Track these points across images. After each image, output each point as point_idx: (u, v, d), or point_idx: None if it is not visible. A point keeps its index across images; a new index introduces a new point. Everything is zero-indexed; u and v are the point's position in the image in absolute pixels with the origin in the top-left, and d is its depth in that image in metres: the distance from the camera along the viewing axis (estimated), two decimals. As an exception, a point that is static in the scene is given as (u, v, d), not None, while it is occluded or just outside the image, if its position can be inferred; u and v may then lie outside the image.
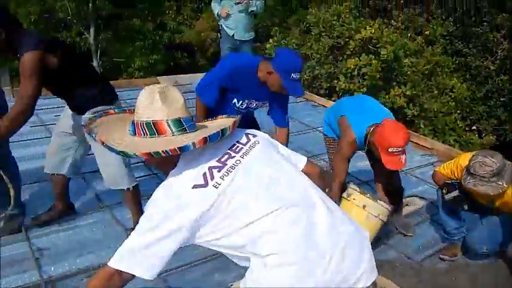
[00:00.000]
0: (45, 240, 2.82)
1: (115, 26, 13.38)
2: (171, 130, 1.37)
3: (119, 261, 1.30)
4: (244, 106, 2.79)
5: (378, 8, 10.74)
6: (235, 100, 2.74)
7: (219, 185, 1.34)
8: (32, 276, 2.49)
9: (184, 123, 1.39)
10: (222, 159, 1.41)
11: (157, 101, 1.36)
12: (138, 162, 3.66)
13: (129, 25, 13.38)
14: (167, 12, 15.18)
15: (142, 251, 1.29)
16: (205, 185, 1.33)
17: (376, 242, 2.83)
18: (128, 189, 2.66)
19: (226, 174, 1.37)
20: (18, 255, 2.67)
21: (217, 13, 5.72)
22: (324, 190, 1.57)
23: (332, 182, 2.76)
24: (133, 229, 1.38)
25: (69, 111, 2.63)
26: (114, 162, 2.56)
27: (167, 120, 1.36)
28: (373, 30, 7.88)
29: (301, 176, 1.52)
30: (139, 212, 2.72)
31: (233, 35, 5.78)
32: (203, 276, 2.60)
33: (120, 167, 2.59)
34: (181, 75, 6.92)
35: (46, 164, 2.84)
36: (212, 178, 1.35)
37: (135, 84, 6.19)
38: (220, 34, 6.09)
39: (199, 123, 1.54)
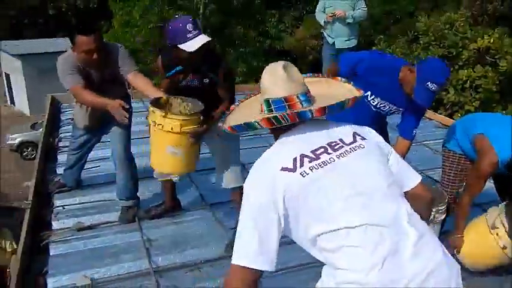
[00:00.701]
0: (155, 232, 3.06)
1: (221, 33, 14.13)
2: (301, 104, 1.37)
3: (238, 258, 1.27)
4: (375, 103, 2.73)
5: (497, 14, 9.82)
6: (368, 92, 2.68)
7: (307, 174, 1.27)
8: (142, 264, 2.71)
9: (307, 97, 1.39)
10: (317, 152, 1.32)
11: (282, 77, 1.38)
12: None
13: (233, 33, 14.02)
14: (269, 20, 15.63)
15: (254, 244, 1.26)
16: (294, 170, 1.28)
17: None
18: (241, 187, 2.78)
19: (316, 167, 1.28)
20: (132, 243, 2.93)
21: (324, 21, 5.73)
22: (425, 218, 1.41)
23: (462, 196, 2.62)
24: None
25: None
26: (235, 160, 2.77)
27: (297, 95, 1.37)
28: (492, 40, 7.22)
29: (399, 196, 1.36)
30: None
31: (333, 43, 5.78)
32: (299, 283, 2.59)
33: (239, 165, 2.82)
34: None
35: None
36: (302, 165, 1.28)
37: (239, 89, 6.44)
38: (322, 42, 6.19)
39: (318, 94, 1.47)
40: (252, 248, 1.26)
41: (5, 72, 20.69)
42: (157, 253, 2.82)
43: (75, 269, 2.66)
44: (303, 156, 1.31)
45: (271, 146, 1.43)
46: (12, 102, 20.81)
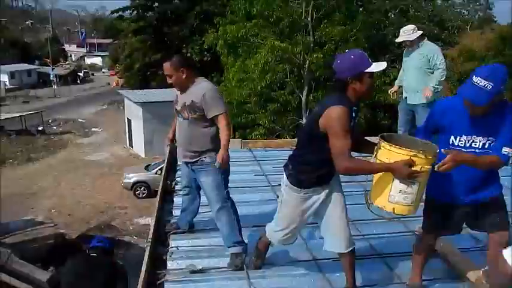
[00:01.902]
0: (261, 283, 3.06)
1: (324, 86, 14.39)
2: None
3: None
4: (463, 144, 2.54)
5: None
6: (452, 138, 2.54)
7: None
8: (250, 316, 2.71)
9: None
10: None
11: None
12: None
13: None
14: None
15: None
16: None
17: None
18: (346, 253, 2.70)
19: None
20: (240, 292, 2.96)
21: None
22: None
23: None
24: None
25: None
26: (345, 224, 2.68)
27: None
28: None
29: None
30: (351, 276, 2.72)
31: (406, 97, 5.71)
32: None
33: (347, 229, 2.68)
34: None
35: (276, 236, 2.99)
36: None
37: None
38: None
39: None
40: None
41: (128, 118, 23.31)
42: (266, 306, 2.81)
43: (188, 310, 2.76)
44: None
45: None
46: (131, 144, 23.19)
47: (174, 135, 3.80)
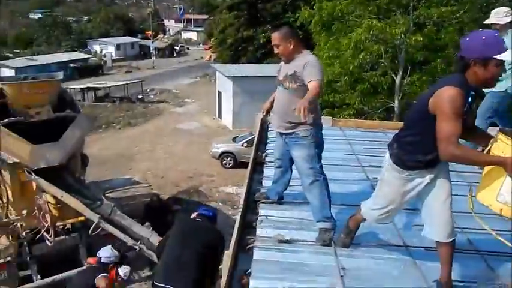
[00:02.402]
0: (349, 261, 3.03)
1: (421, 69, 13.49)
2: None
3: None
4: None
5: None
6: None
7: None
8: (336, 291, 2.71)
9: None
10: None
11: None
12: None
13: (433, 69, 13.22)
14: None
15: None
16: None
17: None
18: (445, 243, 2.56)
19: None
20: (327, 267, 2.97)
21: None
22: None
23: None
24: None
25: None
26: (448, 212, 2.53)
27: None
28: None
29: None
30: (448, 269, 2.58)
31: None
32: None
33: (449, 218, 2.54)
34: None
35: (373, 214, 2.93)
36: None
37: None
38: None
39: None
40: None
41: (218, 90, 24.18)
42: (351, 283, 2.78)
43: (275, 277, 2.84)
44: None
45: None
46: (220, 116, 24.10)
47: (270, 107, 3.86)
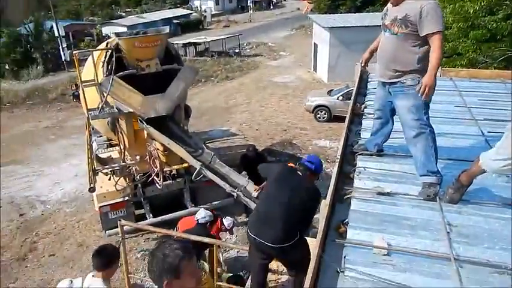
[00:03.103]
0: (456, 217, 2.85)
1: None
2: None
3: None
4: None
5: None
6: None
7: None
8: (441, 247, 2.58)
9: None
10: None
11: None
12: None
13: None
14: None
15: None
16: None
17: None
18: None
19: None
20: (431, 222, 2.83)
21: None
22: None
23: None
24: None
25: None
26: None
27: None
28: None
29: None
30: None
31: None
32: None
33: None
34: None
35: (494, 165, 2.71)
36: None
37: None
38: None
39: None
40: None
41: (314, 42, 23.48)
42: (458, 241, 2.63)
43: (373, 228, 2.80)
44: None
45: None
46: (315, 69, 23.56)
47: (370, 57, 3.65)
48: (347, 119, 4.45)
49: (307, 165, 3.84)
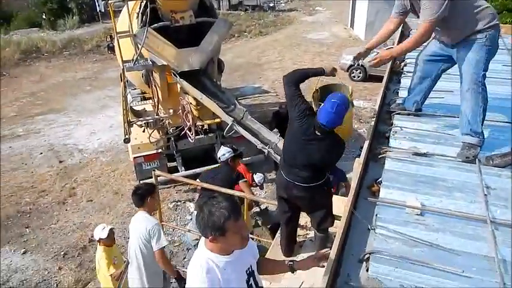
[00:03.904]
0: (495, 180, 2.77)
1: None
2: None
3: None
4: None
5: None
6: None
7: None
8: (476, 209, 2.53)
9: None
10: None
11: None
12: None
13: None
14: None
15: None
16: None
17: None
18: None
19: None
20: (468, 184, 2.76)
21: None
22: None
23: None
24: None
25: None
26: None
27: None
28: None
29: None
30: None
31: None
32: None
33: None
34: None
35: None
36: None
37: None
38: None
39: None
40: None
41: (353, -3, 22.46)
42: (496, 203, 2.56)
43: (406, 188, 2.76)
44: None
45: None
46: (352, 25, 22.67)
47: (367, 54, 3.49)
48: (385, 77, 4.30)
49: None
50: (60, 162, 9.91)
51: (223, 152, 5.69)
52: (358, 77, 15.47)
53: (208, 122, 7.96)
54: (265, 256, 3.20)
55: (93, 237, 4.79)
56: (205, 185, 4.76)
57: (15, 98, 14.89)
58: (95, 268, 4.78)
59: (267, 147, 6.60)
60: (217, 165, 6.07)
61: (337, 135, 2.93)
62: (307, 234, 3.88)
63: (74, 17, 25.01)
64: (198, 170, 8.16)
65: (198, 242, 2.13)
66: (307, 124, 2.98)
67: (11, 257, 6.70)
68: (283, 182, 3.19)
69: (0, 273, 6.32)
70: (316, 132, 2.96)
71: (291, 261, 2.34)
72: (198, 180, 5.51)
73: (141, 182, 7.96)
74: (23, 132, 11.86)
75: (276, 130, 7.71)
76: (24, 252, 6.81)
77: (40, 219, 7.74)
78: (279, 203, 3.42)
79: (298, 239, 3.74)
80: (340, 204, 3.24)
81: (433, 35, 3.25)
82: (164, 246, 3.86)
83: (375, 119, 3.49)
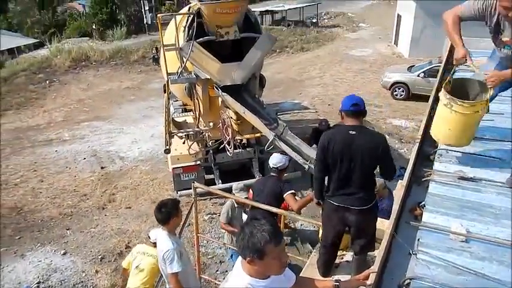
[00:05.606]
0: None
1: None
2: None
3: None
4: None
5: None
6: None
7: None
8: (528, 240, 2.38)
9: None
10: None
11: None
12: None
13: None
14: None
15: None
16: None
17: None
18: None
19: None
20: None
21: None
22: None
23: None
24: None
25: None
26: None
27: None
28: None
29: None
30: None
31: None
32: None
33: None
34: None
35: None
36: None
37: None
38: None
39: None
40: None
41: (398, 13, 22.09)
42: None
43: (451, 214, 2.65)
44: None
45: None
46: (396, 43, 22.29)
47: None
48: (431, 97, 4.18)
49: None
50: (102, 168, 10.27)
51: (281, 160, 5.12)
52: (401, 95, 15.14)
53: (247, 136, 8.00)
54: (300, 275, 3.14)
55: (149, 239, 4.83)
56: (248, 201, 4.73)
57: (64, 103, 15.69)
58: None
59: (307, 163, 6.54)
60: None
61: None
62: (343, 255, 3.80)
63: (122, 28, 26.16)
64: (235, 184, 8.21)
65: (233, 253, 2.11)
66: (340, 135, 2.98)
67: (52, 257, 6.97)
68: (334, 208, 3.06)
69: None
70: (350, 132, 2.98)
71: (336, 280, 2.28)
72: (250, 191, 5.49)
73: (179, 194, 8.10)
74: (69, 137, 12.44)
75: (315, 146, 7.64)
76: (64, 253, 7.06)
77: (80, 222, 8.02)
78: (325, 226, 3.30)
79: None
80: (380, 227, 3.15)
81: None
82: (177, 272, 3.65)
83: (419, 140, 3.39)
